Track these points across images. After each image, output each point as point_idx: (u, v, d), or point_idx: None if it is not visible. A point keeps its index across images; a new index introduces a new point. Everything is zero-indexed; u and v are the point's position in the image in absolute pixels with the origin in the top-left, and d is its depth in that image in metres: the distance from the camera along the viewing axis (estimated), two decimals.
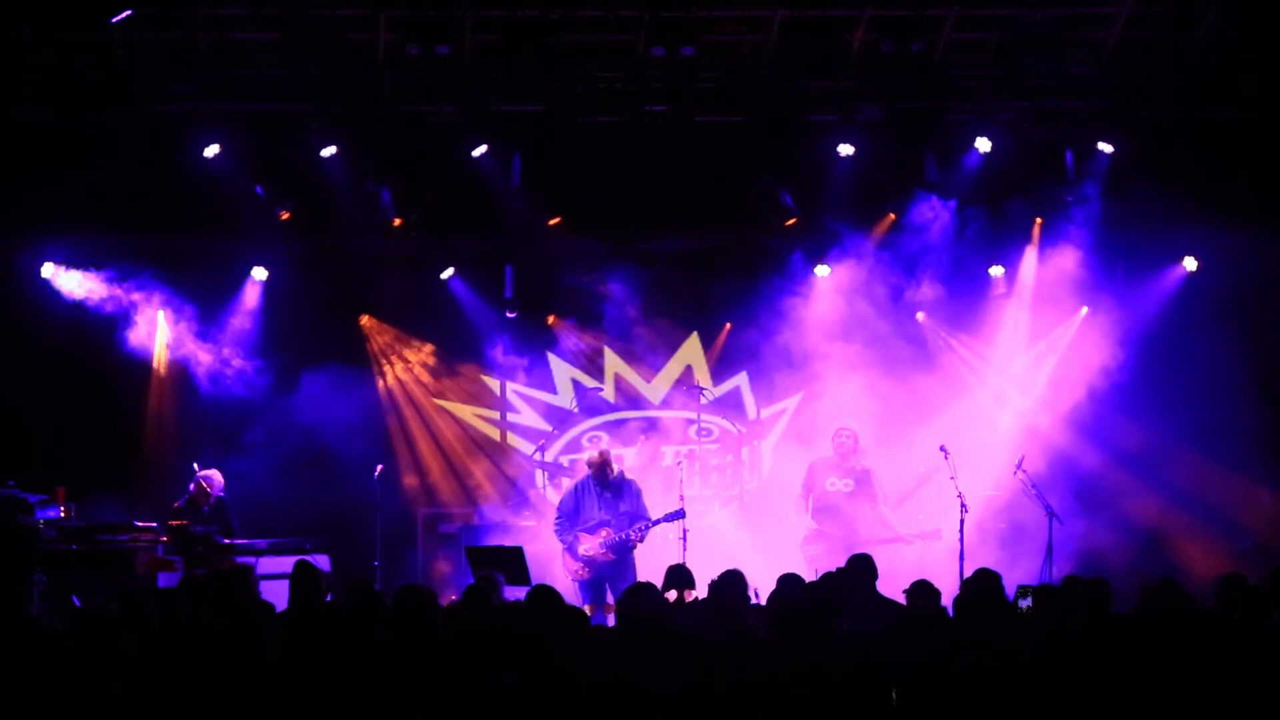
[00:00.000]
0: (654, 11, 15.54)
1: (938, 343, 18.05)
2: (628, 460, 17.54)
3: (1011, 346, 17.96)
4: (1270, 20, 15.72)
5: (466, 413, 18.40)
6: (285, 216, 16.95)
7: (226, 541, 14.75)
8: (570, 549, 14.98)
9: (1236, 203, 16.47)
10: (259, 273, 17.43)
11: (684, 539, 15.19)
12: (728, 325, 18.22)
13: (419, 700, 7.34)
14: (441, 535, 17.33)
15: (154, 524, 14.63)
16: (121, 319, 16.89)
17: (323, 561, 14.06)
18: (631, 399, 18.50)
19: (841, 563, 11.20)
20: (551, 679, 7.30)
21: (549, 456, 17.93)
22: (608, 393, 18.45)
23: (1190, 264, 17.57)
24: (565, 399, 18.28)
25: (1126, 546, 16.53)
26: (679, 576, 11.84)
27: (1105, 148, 16.81)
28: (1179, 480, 17.03)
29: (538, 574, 14.57)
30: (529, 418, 18.35)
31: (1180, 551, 16.75)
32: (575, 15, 15.75)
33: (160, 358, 17.36)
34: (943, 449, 15.27)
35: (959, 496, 14.83)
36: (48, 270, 16.82)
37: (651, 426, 18.31)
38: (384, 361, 18.17)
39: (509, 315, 17.91)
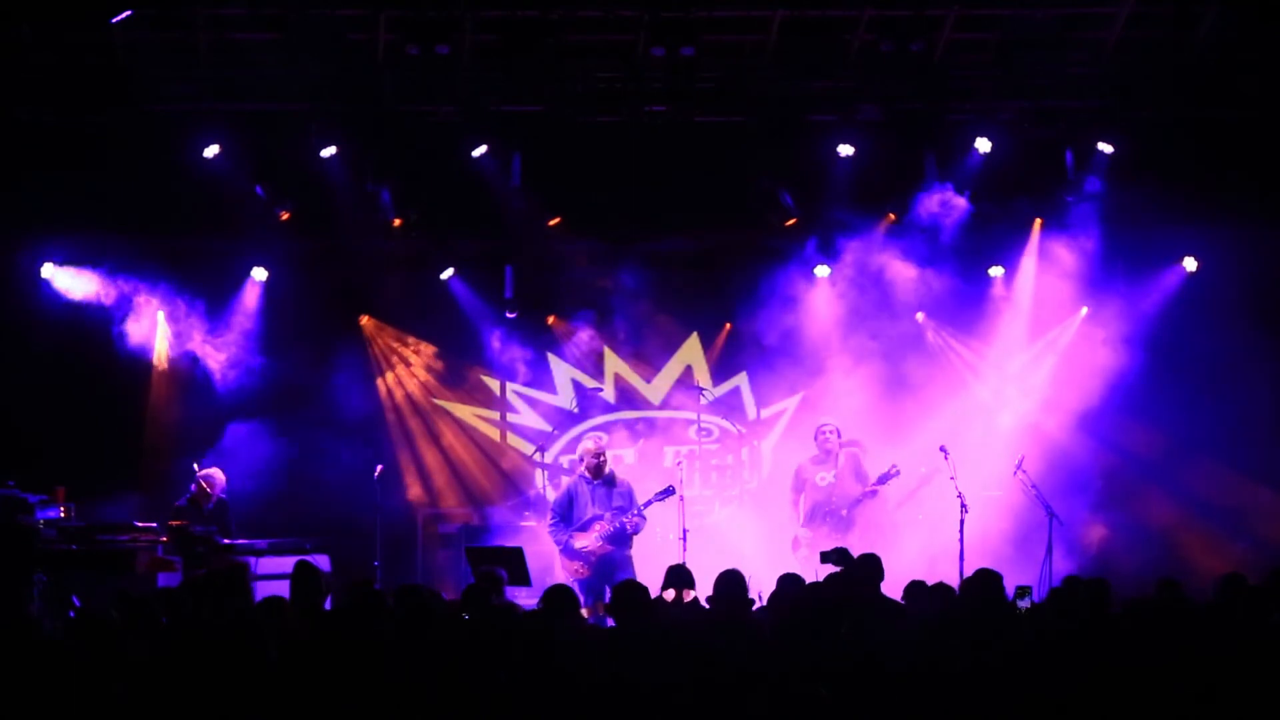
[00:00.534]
0: (654, 11, 15.54)
1: (938, 342, 18.05)
2: (627, 460, 17.55)
3: (1011, 346, 17.96)
4: (1270, 20, 15.72)
5: (466, 413, 18.39)
6: (285, 217, 16.95)
7: (226, 541, 14.75)
8: (566, 548, 14.96)
9: (1237, 203, 16.48)
10: (259, 273, 17.42)
11: (684, 539, 15.19)
12: (728, 325, 18.22)
13: (419, 700, 7.34)
14: (441, 535, 17.33)
15: (154, 524, 14.63)
16: (121, 319, 16.90)
17: (323, 561, 14.05)
18: (631, 399, 18.49)
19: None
20: (551, 679, 7.30)
21: (549, 457, 17.93)
22: (608, 393, 18.45)
23: (1190, 264, 17.57)
24: (565, 399, 18.28)
25: (1131, 546, 16.53)
26: (679, 576, 11.84)
27: (1105, 148, 16.81)
28: (1181, 480, 17.03)
29: (538, 574, 14.57)
30: (529, 418, 18.34)
31: (1185, 551, 16.74)
32: (575, 15, 15.75)
33: (160, 357, 17.36)
34: (943, 449, 15.28)
35: (959, 496, 14.85)
36: (48, 270, 16.83)
37: (651, 427, 18.31)
38: (384, 362, 18.17)
39: (509, 315, 17.91)
